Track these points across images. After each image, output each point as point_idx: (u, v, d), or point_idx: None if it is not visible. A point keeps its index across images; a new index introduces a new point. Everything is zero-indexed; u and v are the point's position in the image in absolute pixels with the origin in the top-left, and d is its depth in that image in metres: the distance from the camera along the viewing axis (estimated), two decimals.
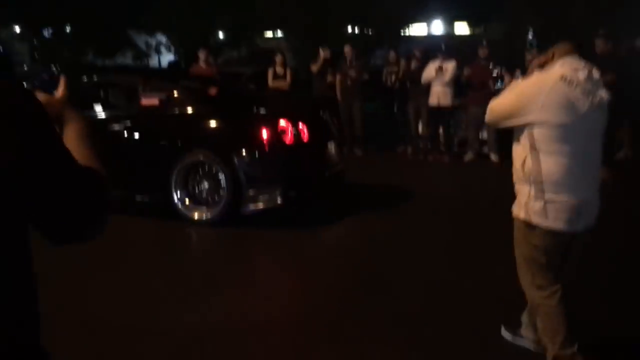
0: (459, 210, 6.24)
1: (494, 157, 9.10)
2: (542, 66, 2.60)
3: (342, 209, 6.13)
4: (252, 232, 5.36)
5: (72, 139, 1.18)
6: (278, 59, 10.05)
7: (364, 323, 3.54)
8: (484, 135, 9.27)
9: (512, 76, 7.89)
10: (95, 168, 1.13)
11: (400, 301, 3.87)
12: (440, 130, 9.38)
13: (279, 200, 5.40)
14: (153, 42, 31.04)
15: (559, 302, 2.62)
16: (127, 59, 33.01)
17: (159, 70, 19.36)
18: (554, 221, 2.52)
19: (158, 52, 32.08)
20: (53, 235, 1.05)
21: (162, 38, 30.45)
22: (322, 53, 9.93)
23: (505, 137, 8.40)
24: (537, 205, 2.52)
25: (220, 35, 29.95)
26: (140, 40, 31.71)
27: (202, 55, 9.99)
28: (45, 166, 1.00)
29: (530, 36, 23.71)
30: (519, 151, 2.58)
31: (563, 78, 2.46)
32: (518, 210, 2.64)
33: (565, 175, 2.48)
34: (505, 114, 2.57)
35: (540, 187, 2.50)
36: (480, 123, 9.15)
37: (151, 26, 29.61)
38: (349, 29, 24.09)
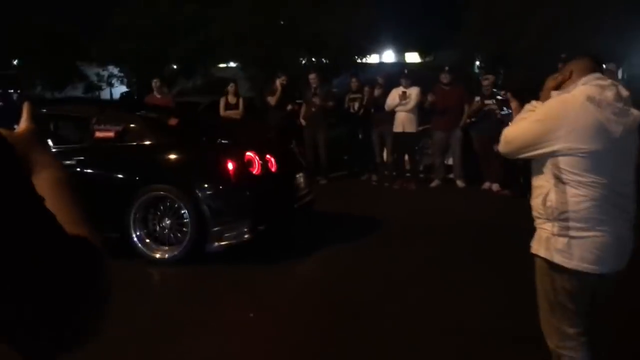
0: (431, 237, 6.06)
1: (459, 182, 9.01)
2: (558, 87, 2.36)
3: (313, 242, 5.83)
4: (219, 270, 5.00)
5: (47, 192, 0.75)
6: (230, 88, 9.79)
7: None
8: (450, 160, 9.19)
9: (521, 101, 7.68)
10: (85, 235, 0.75)
11: (387, 337, 3.58)
12: (406, 157, 9.23)
13: (247, 236, 5.07)
14: (105, 73, 30.44)
15: (585, 356, 2.34)
16: (77, 91, 32.21)
17: (114, 101, 18.79)
18: (580, 261, 2.21)
19: (110, 84, 31.44)
20: (23, 348, 0.64)
21: (114, 69, 29.88)
22: (278, 81, 9.70)
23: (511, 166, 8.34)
24: (561, 242, 2.22)
25: (174, 65, 29.55)
26: (91, 72, 31.04)
27: (155, 84, 9.64)
28: (16, 237, 0.62)
29: (477, 63, 24.35)
30: (541, 184, 2.30)
31: (590, 99, 2.19)
32: (538, 247, 2.33)
33: (596, 209, 2.18)
34: (526, 142, 2.28)
35: (565, 223, 2.21)
36: (445, 148, 9.09)
37: (102, 58, 29.05)
38: (303, 60, 24.13)
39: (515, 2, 15.89)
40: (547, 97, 2.34)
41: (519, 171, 8.09)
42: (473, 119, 8.80)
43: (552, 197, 2.23)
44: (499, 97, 7.34)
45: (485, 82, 8.59)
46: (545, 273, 2.32)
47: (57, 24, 28.55)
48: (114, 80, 31.04)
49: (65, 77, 29.30)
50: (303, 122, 9.62)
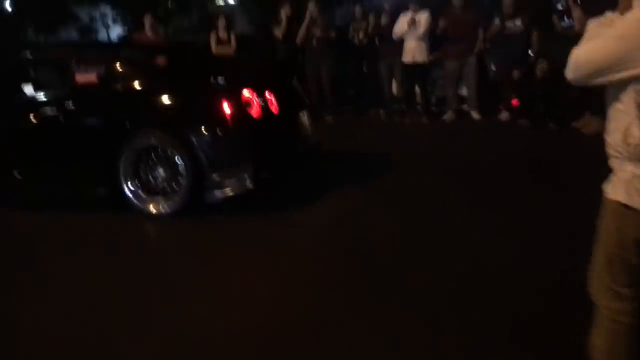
0: (446, 175, 5.61)
1: (474, 114, 8.47)
2: None
3: (321, 187, 5.39)
4: (221, 222, 4.59)
5: None
6: (220, 22, 9.09)
7: (363, 322, 2.88)
8: (463, 91, 8.61)
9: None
10: None
11: (407, 291, 3.19)
12: (417, 89, 8.65)
13: (249, 184, 4.62)
14: (97, 14, 29.38)
15: (633, 324, 1.93)
16: (72, 35, 31.18)
17: (95, 42, 17.92)
18: None
19: (106, 25, 30.41)
20: None
21: (107, 9, 28.79)
22: (283, 12, 8.99)
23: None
24: None
25: (169, 1, 28.37)
26: (84, 13, 29.94)
27: (147, 21, 8.99)
28: None
29: None
30: (619, 117, 1.81)
31: None
32: (614, 190, 1.87)
33: None
34: (604, 64, 1.77)
35: None
36: (458, 78, 8.49)
37: None
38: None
39: None
40: (628, 7, 1.79)
41: (539, 100, 7.54)
42: (488, 46, 8.17)
43: (636, 132, 1.75)
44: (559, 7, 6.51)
45: (507, 1, 7.85)
46: (617, 220, 1.87)
47: None
48: (109, 21, 29.97)
49: (56, 19, 28.25)
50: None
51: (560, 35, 6.74)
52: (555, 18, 6.52)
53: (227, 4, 27.31)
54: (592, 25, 1.92)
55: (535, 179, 5.36)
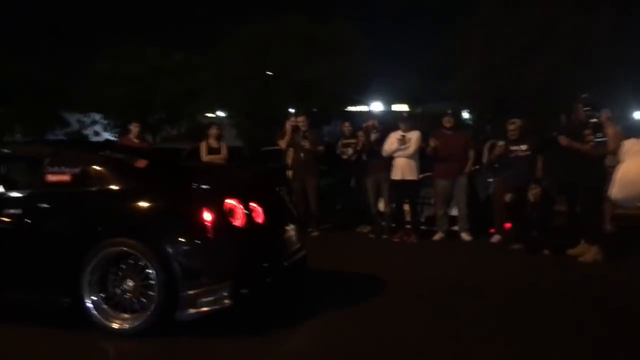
0: (439, 299, 5.20)
1: (465, 235, 8.19)
2: None
3: (306, 306, 4.94)
4: (191, 344, 4.06)
5: None
6: (212, 131, 9.05)
7: None
8: (454, 211, 8.38)
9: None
10: None
11: None
12: (406, 207, 8.40)
13: (227, 301, 4.15)
14: (87, 120, 29.72)
15: None
16: (59, 138, 31.40)
17: (75, 141, 17.79)
18: None
19: (96, 133, 30.66)
20: None
21: (97, 116, 29.17)
22: (288, 123, 8.92)
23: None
24: None
25: (159, 112, 28.90)
26: (73, 119, 30.27)
27: (134, 128, 8.86)
28: None
29: (467, 113, 23.96)
30: None
31: None
32: None
33: None
34: None
35: None
36: (449, 198, 8.30)
37: (85, 104, 28.41)
38: (291, 109, 23.62)
39: (513, 47, 15.47)
40: None
41: (534, 224, 7.31)
42: (496, 165, 8.07)
43: None
44: (592, 120, 6.38)
45: (511, 127, 7.84)
46: None
47: (37, 71, 27.97)
48: (97, 128, 30.27)
49: (45, 123, 28.48)
50: (289, 173, 8.82)
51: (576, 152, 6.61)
52: (588, 132, 6.43)
53: (216, 117, 27.87)
54: (632, 142, 1.64)
55: (532, 306, 4.97)
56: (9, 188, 4.96)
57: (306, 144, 8.68)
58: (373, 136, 8.56)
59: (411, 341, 4.10)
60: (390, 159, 8.30)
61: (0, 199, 4.71)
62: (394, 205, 8.46)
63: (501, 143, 7.91)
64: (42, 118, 28.11)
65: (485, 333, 4.28)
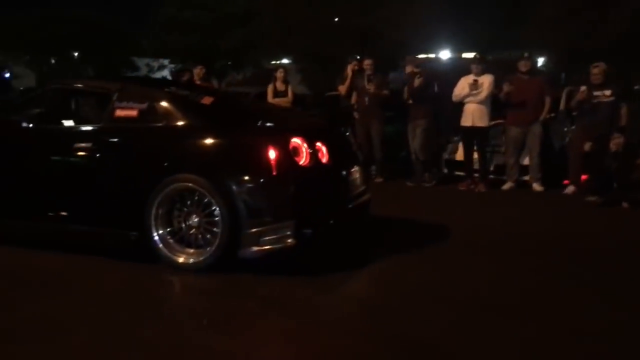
0: (503, 252, 4.94)
1: (536, 186, 7.82)
2: None
3: (368, 252, 4.84)
4: (252, 282, 4.04)
5: None
6: (279, 74, 8.99)
7: None
8: (525, 160, 8.00)
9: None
10: None
11: None
12: (475, 155, 8.08)
13: (289, 240, 4.09)
14: (155, 64, 30.30)
15: None
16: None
17: (142, 77, 18.04)
18: None
19: (163, 77, 31.34)
20: None
21: (164, 61, 29.64)
22: (349, 67, 8.71)
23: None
24: None
25: (224, 58, 28.99)
26: (142, 63, 30.95)
27: (200, 72, 8.85)
28: None
29: (542, 60, 22.76)
30: None
31: None
32: None
33: None
34: None
35: None
36: (521, 146, 7.92)
37: (151, 50, 28.88)
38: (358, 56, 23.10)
39: None
40: None
41: (611, 175, 6.88)
42: (574, 113, 7.62)
43: None
44: None
45: (595, 70, 7.33)
46: None
47: (102, 15, 28.71)
48: (165, 72, 30.83)
49: (116, 67, 29.25)
50: (356, 114, 8.64)
51: None
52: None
53: (281, 64, 27.69)
54: None
55: (611, 263, 4.68)
56: (79, 122, 5.07)
57: (371, 87, 8.43)
58: (416, 82, 8.20)
59: (471, 293, 3.91)
60: (430, 107, 7.99)
61: (71, 133, 4.82)
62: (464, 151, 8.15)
63: (583, 88, 7.41)
64: (112, 62, 28.84)
65: (548, 290, 4.05)
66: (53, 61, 31.52)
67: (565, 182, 7.69)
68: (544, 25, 16.72)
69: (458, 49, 43.44)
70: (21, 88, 25.50)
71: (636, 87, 10.58)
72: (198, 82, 8.71)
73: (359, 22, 21.38)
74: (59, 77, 28.09)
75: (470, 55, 40.56)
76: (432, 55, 28.78)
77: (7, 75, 32.93)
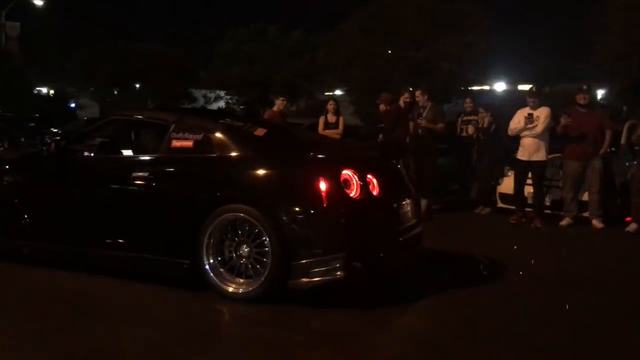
0: (556, 291, 4.77)
1: (596, 222, 7.53)
2: None
3: (420, 285, 4.75)
4: (301, 314, 4.03)
5: None
6: (330, 106, 9.09)
7: None
8: (584, 196, 7.73)
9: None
10: None
11: None
12: (530, 189, 7.88)
13: (339, 273, 4.06)
14: (212, 95, 31.23)
15: None
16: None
17: (199, 109, 18.56)
18: None
19: (219, 108, 32.27)
20: None
21: (221, 92, 30.48)
22: (402, 98, 8.71)
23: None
24: None
25: (280, 90, 29.62)
26: (199, 94, 31.97)
27: (279, 102, 9.03)
28: None
29: (602, 93, 22.14)
30: None
31: None
32: None
33: None
34: None
35: None
36: (580, 181, 7.67)
37: (209, 82, 29.80)
38: (411, 87, 23.09)
39: None
40: None
41: None
42: (636, 147, 7.37)
43: None
44: None
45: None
46: None
47: (166, 48, 29.90)
48: (221, 103, 31.69)
49: (175, 98, 30.25)
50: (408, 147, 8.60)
51: None
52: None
53: (335, 95, 27.97)
54: None
55: None
56: (137, 152, 5.25)
57: (422, 121, 8.38)
58: (486, 121, 8.12)
59: (522, 329, 3.80)
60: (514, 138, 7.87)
61: (129, 162, 4.98)
62: (517, 186, 7.97)
63: None
64: (172, 93, 29.85)
65: (602, 330, 3.86)
66: (115, 92, 32.95)
67: (628, 219, 7.38)
68: (607, 56, 16.32)
69: (514, 80, 42.82)
70: (85, 118, 26.68)
71: None
72: (279, 112, 8.91)
73: (414, 54, 21.43)
74: (120, 107, 29.41)
75: (526, 87, 39.94)
76: (486, 87, 28.43)
77: (73, 105, 34.62)
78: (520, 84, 43.01)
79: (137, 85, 32.39)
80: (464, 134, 8.88)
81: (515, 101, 8.88)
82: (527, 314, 4.17)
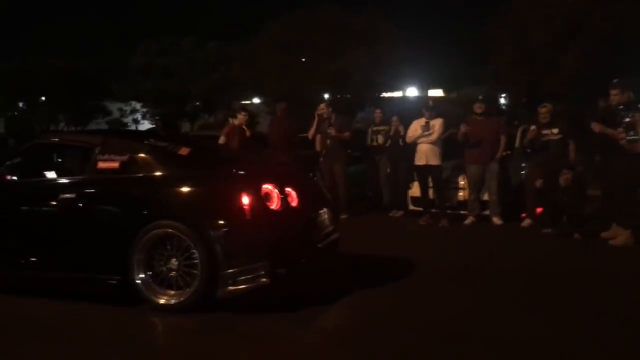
0: (468, 282, 5.36)
1: (496, 219, 8.31)
2: None
3: (337, 287, 5.18)
4: (230, 320, 4.36)
5: None
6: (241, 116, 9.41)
7: None
8: (485, 196, 8.50)
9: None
10: None
11: None
12: (431, 192, 8.58)
13: (263, 279, 4.42)
14: (128, 109, 30.64)
15: None
16: (101, 127, 32.42)
17: (123, 130, 18.43)
18: None
19: (135, 120, 31.61)
20: None
21: (137, 105, 30.00)
22: (316, 112, 9.19)
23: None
24: None
25: (197, 102, 29.47)
26: (114, 107, 31.25)
27: (241, 117, 9.16)
28: None
29: (503, 97, 23.73)
30: None
31: None
32: None
33: None
34: None
35: None
36: (480, 183, 8.42)
37: (124, 95, 29.29)
38: (326, 95, 23.82)
39: (547, 33, 15.34)
40: None
41: (563, 209, 7.40)
42: (528, 150, 8.16)
43: None
44: (626, 120, 6.48)
45: (542, 110, 7.92)
46: None
47: (77, 63, 29.09)
48: (138, 116, 31.14)
49: (88, 113, 29.48)
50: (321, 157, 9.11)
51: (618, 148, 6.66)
52: (620, 131, 6.57)
53: (253, 104, 28.22)
54: None
55: (561, 290, 5.11)
56: (61, 174, 5.38)
57: (332, 131, 8.93)
58: (401, 130, 8.86)
59: (440, 323, 4.27)
60: (411, 145, 8.53)
61: (54, 185, 5.12)
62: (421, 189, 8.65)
63: (533, 127, 7.99)
64: (84, 107, 29.06)
65: (511, 317, 4.44)
66: (21, 105, 31.66)
67: (523, 215, 8.19)
68: (503, 64, 17.56)
69: (425, 85, 44.54)
70: None
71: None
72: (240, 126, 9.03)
73: (329, 64, 22.14)
74: (26, 122, 28.31)
75: (436, 92, 41.60)
76: (399, 93, 29.63)
77: None
78: (430, 89, 44.82)
79: (43, 99, 31.32)
80: (375, 143, 9.47)
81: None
82: (440, 305, 4.68)
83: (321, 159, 9.05)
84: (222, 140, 8.79)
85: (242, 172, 4.93)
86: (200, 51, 27.25)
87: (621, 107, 6.72)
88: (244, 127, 9.07)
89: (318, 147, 9.15)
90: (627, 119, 6.59)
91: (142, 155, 4.88)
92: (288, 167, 5.42)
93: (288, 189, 4.78)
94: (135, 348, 3.90)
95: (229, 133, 8.91)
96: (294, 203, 4.79)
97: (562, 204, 7.37)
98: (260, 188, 4.57)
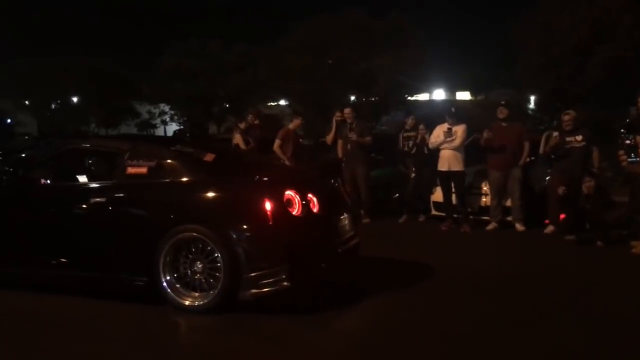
0: (488, 288, 5.43)
1: (519, 226, 8.31)
2: None
3: (357, 292, 5.29)
4: (252, 321, 4.50)
5: None
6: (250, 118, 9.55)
7: None
8: (508, 202, 8.51)
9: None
10: None
11: None
12: (454, 198, 8.61)
13: (285, 283, 4.56)
14: (156, 111, 31.13)
15: None
16: (131, 129, 32.98)
17: (151, 136, 18.83)
18: None
19: (164, 122, 32.12)
20: None
21: (166, 107, 30.47)
22: (334, 118, 9.31)
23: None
24: None
25: (224, 104, 29.82)
26: (143, 109, 31.79)
27: (296, 121, 9.37)
28: None
29: (532, 100, 23.54)
30: None
31: None
32: None
33: None
34: None
35: None
36: (503, 189, 8.43)
37: (153, 97, 29.77)
38: (352, 97, 23.90)
39: (574, 38, 15.22)
40: None
41: (586, 216, 7.39)
42: (552, 156, 8.16)
43: None
44: (627, 142, 6.44)
45: (565, 117, 7.92)
46: None
47: (109, 64, 29.66)
48: (166, 118, 31.61)
49: (118, 114, 30.05)
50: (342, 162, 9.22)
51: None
52: (621, 154, 6.56)
53: (278, 106, 28.48)
54: None
55: (584, 298, 5.14)
56: (92, 179, 5.60)
57: (353, 135, 9.01)
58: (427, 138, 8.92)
59: (459, 328, 4.35)
60: (435, 151, 8.58)
61: (85, 189, 5.33)
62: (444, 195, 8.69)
63: (556, 134, 7.98)
64: (115, 109, 29.62)
65: (532, 322, 4.50)
66: (53, 107, 32.33)
67: (546, 221, 8.18)
68: (528, 69, 17.46)
69: (452, 87, 44.28)
70: (26, 137, 26.16)
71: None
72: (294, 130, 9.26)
73: (354, 67, 22.23)
74: (60, 124, 28.93)
75: (463, 94, 41.24)
76: (425, 96, 29.60)
77: (9, 121, 33.76)
78: (457, 91, 44.53)
79: (75, 100, 31.95)
80: (406, 148, 9.53)
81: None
82: (459, 315, 4.72)
83: (342, 164, 9.15)
84: (277, 144, 8.92)
85: (265, 179, 5.07)
86: (227, 53, 27.58)
87: None
88: (296, 132, 9.21)
89: (340, 153, 9.25)
90: (628, 141, 6.58)
91: (169, 161, 5.06)
92: (309, 173, 5.54)
93: (310, 195, 4.91)
94: (159, 344, 4.07)
95: (285, 137, 9.02)
96: (315, 209, 4.91)
97: (585, 211, 7.36)
98: (282, 194, 4.71)
